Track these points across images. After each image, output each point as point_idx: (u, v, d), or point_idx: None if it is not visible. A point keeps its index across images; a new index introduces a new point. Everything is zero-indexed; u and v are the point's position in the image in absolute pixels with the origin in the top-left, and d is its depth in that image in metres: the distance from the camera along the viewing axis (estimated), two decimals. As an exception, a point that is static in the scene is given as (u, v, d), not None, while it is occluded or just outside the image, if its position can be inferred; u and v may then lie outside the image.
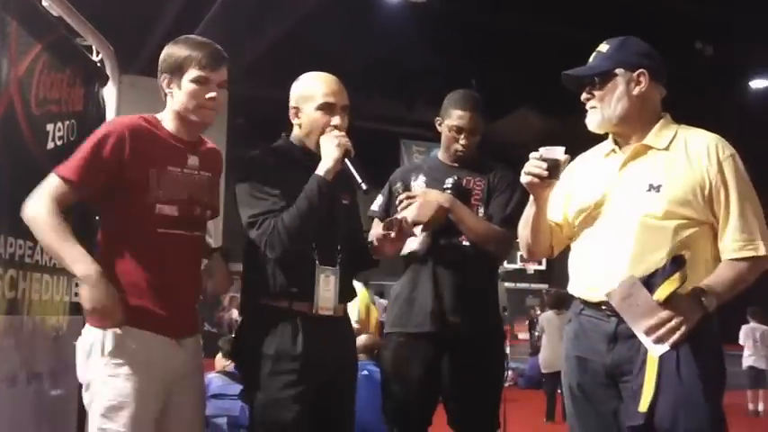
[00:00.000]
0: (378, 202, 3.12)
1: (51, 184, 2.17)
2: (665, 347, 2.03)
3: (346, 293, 2.53)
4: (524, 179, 2.25)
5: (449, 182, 2.95)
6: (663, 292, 2.03)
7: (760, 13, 9.12)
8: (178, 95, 2.30)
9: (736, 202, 2.15)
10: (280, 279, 2.40)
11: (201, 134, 2.44)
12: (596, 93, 2.28)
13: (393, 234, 2.49)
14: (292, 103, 2.52)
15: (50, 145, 2.63)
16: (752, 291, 2.27)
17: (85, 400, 2.20)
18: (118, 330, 2.14)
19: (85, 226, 2.50)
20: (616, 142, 2.33)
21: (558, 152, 2.21)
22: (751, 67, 14.08)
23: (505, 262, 7.60)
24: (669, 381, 2.03)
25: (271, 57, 13.34)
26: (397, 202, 2.90)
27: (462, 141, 2.98)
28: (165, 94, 2.33)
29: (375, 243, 2.53)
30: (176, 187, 2.28)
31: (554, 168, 2.20)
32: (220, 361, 4.27)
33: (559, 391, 8.44)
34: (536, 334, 17.42)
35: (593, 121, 2.30)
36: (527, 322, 17.47)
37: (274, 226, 2.32)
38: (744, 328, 10.22)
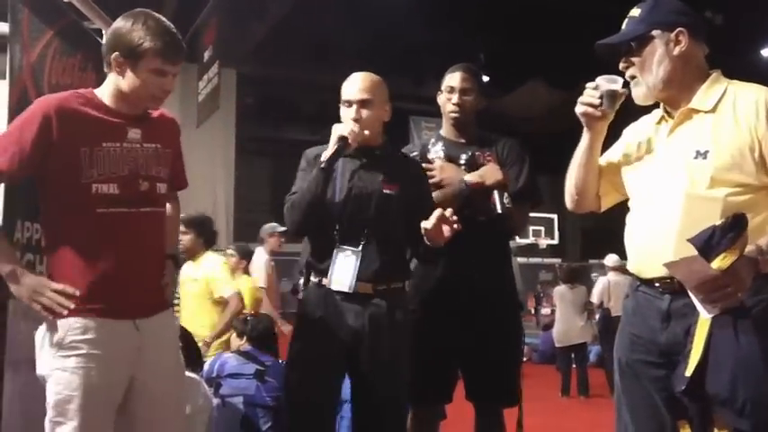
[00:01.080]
0: None
1: None
2: (715, 311, 1.92)
3: (380, 273, 2.66)
4: (578, 109, 2.18)
5: (463, 158, 2.97)
6: (723, 261, 1.87)
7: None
8: (130, 79, 2.18)
9: None
10: (315, 257, 2.74)
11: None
12: (635, 60, 2.17)
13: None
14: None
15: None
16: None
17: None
18: (62, 321, 2.08)
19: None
20: (666, 110, 2.22)
21: (616, 82, 2.13)
22: (761, 36, 13.96)
23: (517, 237, 7.58)
24: (726, 348, 1.91)
25: (277, 36, 13.32)
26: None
27: (454, 100, 3.03)
28: (111, 68, 2.21)
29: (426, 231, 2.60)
30: (113, 164, 2.16)
31: (609, 98, 2.13)
32: (235, 341, 4.30)
33: (573, 365, 8.54)
34: (541, 309, 17.50)
35: (639, 95, 2.18)
36: (533, 297, 17.54)
37: (288, 205, 2.69)
38: None
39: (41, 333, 2.14)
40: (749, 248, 1.90)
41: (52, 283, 2.11)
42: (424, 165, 2.94)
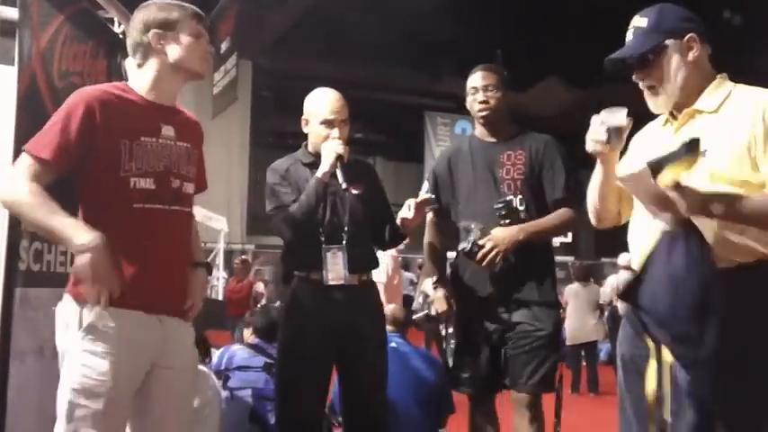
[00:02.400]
0: (424, 189, 3.29)
1: (24, 164, 2.06)
2: (669, 224, 1.99)
3: (360, 264, 2.96)
4: (588, 146, 2.22)
5: (498, 207, 2.98)
6: (668, 175, 1.94)
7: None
8: (175, 50, 2.22)
9: None
10: (299, 255, 2.97)
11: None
12: (651, 71, 2.19)
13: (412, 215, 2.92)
14: (304, 115, 3.02)
15: (73, 117, 2.61)
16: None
17: (61, 370, 2.12)
18: (98, 308, 2.05)
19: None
20: (671, 113, 2.24)
21: (619, 116, 2.16)
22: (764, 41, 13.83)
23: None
24: (659, 262, 2.00)
25: (295, 30, 13.31)
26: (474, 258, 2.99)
27: (480, 98, 3.10)
28: (146, 56, 2.23)
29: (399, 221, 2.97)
30: (151, 158, 2.17)
31: (616, 133, 2.17)
32: (247, 334, 4.29)
33: (584, 363, 8.51)
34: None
35: (659, 104, 2.22)
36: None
37: (282, 218, 2.92)
38: None
39: (67, 312, 2.11)
40: (709, 192, 1.96)
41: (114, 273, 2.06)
42: (481, 252, 2.97)
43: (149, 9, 2.25)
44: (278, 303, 6.69)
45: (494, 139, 3.14)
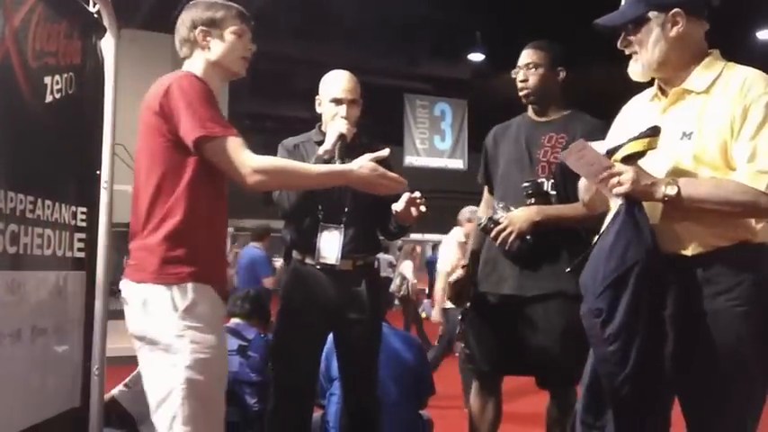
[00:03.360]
0: (480, 171, 3.29)
1: (236, 144, 2.23)
2: (615, 197, 2.04)
3: (358, 247, 3.02)
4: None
5: (526, 186, 2.94)
6: (623, 151, 2.01)
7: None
8: (218, 47, 2.39)
9: (755, 127, 1.99)
10: (297, 236, 3.06)
11: None
12: (632, 39, 2.19)
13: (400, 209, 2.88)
14: (318, 95, 3.12)
15: (49, 98, 2.58)
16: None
17: (148, 356, 2.23)
18: (191, 285, 2.20)
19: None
20: (661, 87, 2.24)
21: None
22: (758, 18, 13.89)
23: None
24: (602, 238, 2.07)
25: (273, 12, 13.18)
26: (490, 234, 2.98)
27: (520, 77, 3.07)
28: (192, 49, 2.40)
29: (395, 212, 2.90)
30: None
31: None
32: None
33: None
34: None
35: (635, 71, 2.22)
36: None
37: (281, 192, 2.97)
38: None
39: (153, 297, 2.20)
40: (666, 180, 2.01)
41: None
42: (495, 229, 2.94)
43: (197, 7, 2.42)
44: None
45: (541, 119, 3.09)
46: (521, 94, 3.07)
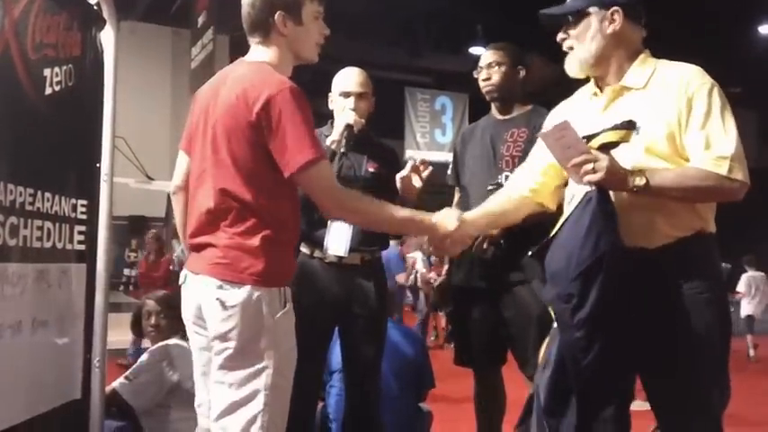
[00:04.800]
0: (450, 170, 3.39)
1: (329, 173, 2.24)
2: (582, 183, 2.06)
3: (366, 241, 3.03)
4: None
5: (490, 189, 2.96)
6: (599, 140, 2.06)
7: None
8: (297, 33, 2.27)
9: (702, 117, 2.08)
10: (307, 228, 2.95)
11: None
12: (571, 32, 2.25)
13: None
14: (330, 93, 3.15)
15: (48, 90, 2.57)
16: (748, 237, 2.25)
17: (229, 357, 2.14)
18: (285, 289, 2.21)
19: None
20: (598, 86, 2.30)
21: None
22: (760, 13, 13.88)
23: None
24: (568, 224, 2.10)
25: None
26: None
27: (482, 75, 3.17)
28: (269, 33, 2.26)
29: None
30: None
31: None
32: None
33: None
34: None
35: (571, 65, 2.28)
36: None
37: None
38: (744, 277, 10.37)
39: (259, 300, 2.14)
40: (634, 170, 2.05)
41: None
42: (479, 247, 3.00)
43: None
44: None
45: (504, 117, 3.19)
46: (484, 91, 3.19)
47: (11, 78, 2.36)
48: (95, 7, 2.96)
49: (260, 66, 2.26)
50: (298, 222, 2.33)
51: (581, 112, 2.31)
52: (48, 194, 2.56)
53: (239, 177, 2.16)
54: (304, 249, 3.11)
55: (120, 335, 3.02)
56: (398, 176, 2.91)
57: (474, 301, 3.13)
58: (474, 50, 17.07)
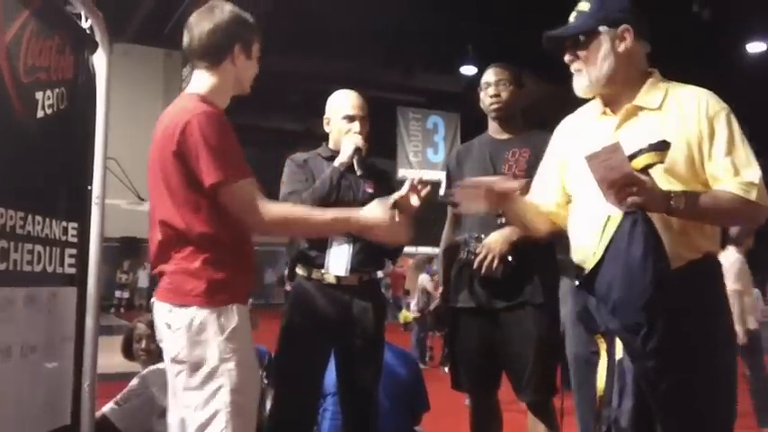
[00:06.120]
0: (442, 187, 3.38)
1: (250, 189, 2.22)
2: (622, 208, 2.02)
3: (365, 262, 3.01)
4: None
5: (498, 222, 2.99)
6: (639, 162, 2.02)
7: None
8: (246, 66, 2.39)
9: (725, 144, 2.09)
10: (307, 249, 3.02)
11: None
12: (580, 53, 2.23)
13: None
14: (325, 115, 3.17)
15: (40, 113, 2.57)
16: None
17: (189, 380, 2.17)
18: (236, 307, 2.21)
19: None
20: (606, 104, 2.28)
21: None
22: (748, 31, 14.00)
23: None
24: (618, 250, 2.02)
25: (266, 26, 13.22)
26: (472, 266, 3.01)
27: (491, 92, 3.15)
28: (221, 62, 2.34)
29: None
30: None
31: None
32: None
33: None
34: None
35: (581, 86, 2.26)
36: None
37: (294, 201, 2.93)
38: None
39: (199, 321, 2.18)
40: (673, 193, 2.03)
41: None
42: (477, 260, 2.99)
43: (237, 18, 2.36)
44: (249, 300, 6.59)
45: (504, 136, 3.17)
46: (492, 107, 3.16)
47: (3, 102, 2.35)
48: (88, 31, 2.97)
49: (189, 97, 2.34)
50: (243, 240, 2.32)
51: (591, 130, 2.29)
52: (38, 218, 2.54)
53: (174, 206, 2.23)
54: (300, 271, 3.08)
55: (110, 359, 2.98)
56: (396, 195, 2.88)
57: (472, 323, 3.10)
58: (465, 70, 17.16)
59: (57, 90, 2.68)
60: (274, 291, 20.37)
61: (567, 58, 2.26)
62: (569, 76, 2.32)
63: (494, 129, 3.22)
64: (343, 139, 3.05)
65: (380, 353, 3.12)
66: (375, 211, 2.34)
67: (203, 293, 2.19)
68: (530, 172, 2.98)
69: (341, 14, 13.36)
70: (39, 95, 2.57)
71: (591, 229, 2.16)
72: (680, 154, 2.10)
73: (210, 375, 2.16)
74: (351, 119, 3.08)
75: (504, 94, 3.13)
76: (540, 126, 3.09)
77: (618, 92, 2.24)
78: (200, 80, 2.37)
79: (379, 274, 3.35)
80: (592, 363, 2.19)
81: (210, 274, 2.20)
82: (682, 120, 2.13)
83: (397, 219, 2.33)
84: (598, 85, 2.23)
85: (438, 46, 16.25)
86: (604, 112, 2.28)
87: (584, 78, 2.24)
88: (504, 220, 2.94)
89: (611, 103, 2.27)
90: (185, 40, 2.39)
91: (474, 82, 3.30)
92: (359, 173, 3.00)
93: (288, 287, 16.19)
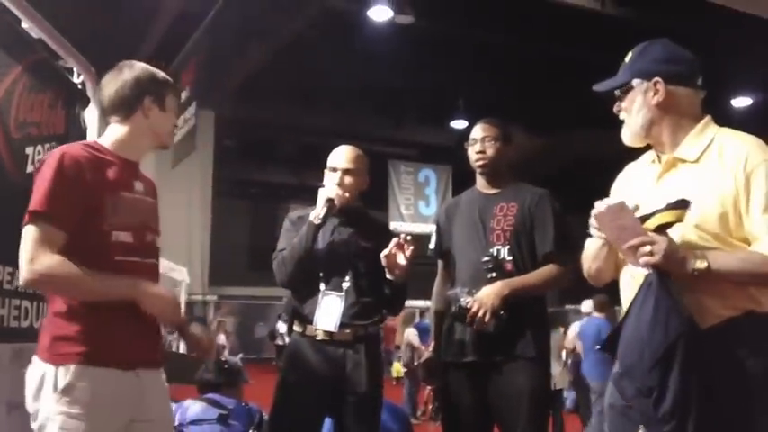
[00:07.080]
0: (432, 242, 3.31)
1: (33, 235, 2.05)
2: (643, 267, 1.97)
3: (358, 317, 2.96)
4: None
5: (485, 261, 2.97)
6: (654, 221, 1.99)
7: (742, 30, 9.19)
8: (159, 118, 2.32)
9: (764, 199, 1.98)
10: (300, 304, 3.01)
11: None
12: (622, 105, 2.24)
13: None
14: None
15: (29, 168, 2.58)
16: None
17: (34, 429, 2.09)
18: (74, 367, 2.05)
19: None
20: (658, 151, 2.24)
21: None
22: (733, 85, 14.20)
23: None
24: (635, 309, 2.00)
25: (260, 79, 13.36)
26: (464, 321, 2.94)
27: (477, 148, 3.14)
28: (132, 114, 2.28)
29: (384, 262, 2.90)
30: (130, 213, 2.21)
31: None
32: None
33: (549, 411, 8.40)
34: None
35: (624, 136, 2.26)
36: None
37: (277, 260, 3.01)
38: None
39: (39, 373, 2.08)
40: (695, 253, 1.97)
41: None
42: (469, 315, 2.91)
43: (145, 73, 2.32)
44: (239, 355, 6.53)
45: (491, 191, 3.17)
46: (477, 164, 3.16)
47: (-8, 156, 2.36)
48: (80, 86, 2.99)
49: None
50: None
51: (640, 179, 2.26)
52: (27, 273, 2.52)
53: None
54: (296, 327, 3.04)
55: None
56: (382, 255, 2.86)
57: (464, 377, 3.04)
58: (455, 124, 17.33)
59: (47, 145, 2.70)
60: (265, 345, 20.20)
61: (615, 108, 2.27)
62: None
63: (481, 184, 3.22)
64: (319, 192, 3.02)
65: (376, 410, 3.05)
66: (160, 287, 2.27)
67: (46, 348, 2.10)
68: (518, 226, 3.02)
69: (335, 69, 13.52)
70: (29, 150, 2.58)
71: (629, 287, 2.13)
72: (712, 210, 2.03)
73: (39, 428, 2.07)
74: (333, 170, 3.07)
75: (490, 151, 3.13)
76: (538, 180, 3.10)
77: (660, 142, 2.21)
78: (111, 132, 2.32)
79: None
80: (627, 415, 2.10)
81: (56, 328, 2.11)
82: (719, 173, 2.05)
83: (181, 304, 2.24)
84: (638, 136, 2.22)
85: (429, 100, 16.45)
86: (654, 160, 2.25)
87: (626, 128, 2.24)
88: (494, 274, 2.94)
89: (659, 150, 2.24)
90: (99, 98, 2.39)
91: (465, 136, 3.30)
92: (318, 220, 2.93)
93: (279, 341, 16.02)
